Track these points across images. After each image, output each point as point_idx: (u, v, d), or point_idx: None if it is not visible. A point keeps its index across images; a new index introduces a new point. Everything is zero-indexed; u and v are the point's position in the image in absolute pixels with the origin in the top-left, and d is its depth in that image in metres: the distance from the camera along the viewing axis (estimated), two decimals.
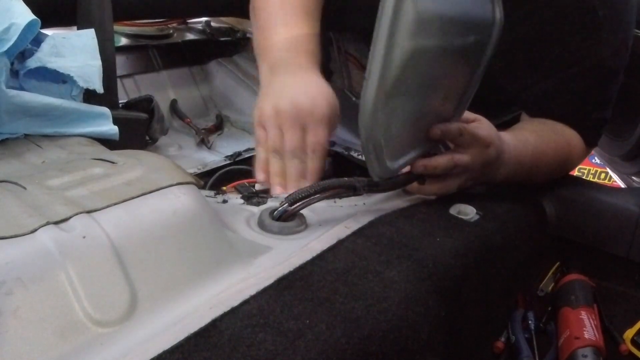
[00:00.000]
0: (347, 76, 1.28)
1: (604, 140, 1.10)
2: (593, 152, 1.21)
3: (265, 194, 0.74)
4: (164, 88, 1.26)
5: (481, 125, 0.73)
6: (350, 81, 1.29)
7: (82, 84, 0.76)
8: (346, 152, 1.17)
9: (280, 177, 0.70)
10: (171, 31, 1.39)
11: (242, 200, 0.71)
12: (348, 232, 0.63)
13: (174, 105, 1.24)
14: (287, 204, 0.63)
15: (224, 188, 0.77)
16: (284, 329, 0.46)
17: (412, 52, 0.55)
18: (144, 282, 0.48)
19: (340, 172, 1.10)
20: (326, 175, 1.08)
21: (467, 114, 0.74)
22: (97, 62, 0.79)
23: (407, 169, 0.72)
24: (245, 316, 0.47)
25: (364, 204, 0.73)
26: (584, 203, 0.94)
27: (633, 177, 1.40)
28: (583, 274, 0.91)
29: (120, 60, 1.12)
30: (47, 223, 0.46)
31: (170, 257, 0.51)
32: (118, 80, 1.01)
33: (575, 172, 1.44)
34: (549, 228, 0.93)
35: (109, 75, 0.83)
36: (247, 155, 1.11)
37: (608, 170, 1.85)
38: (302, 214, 0.65)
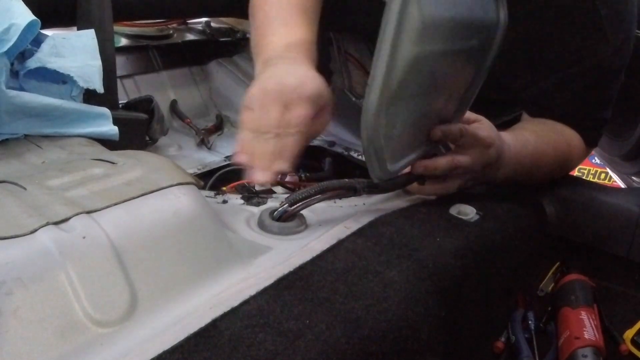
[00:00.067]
0: (347, 76, 1.28)
1: (604, 140, 1.10)
2: (593, 152, 1.21)
3: (265, 194, 0.73)
4: (164, 88, 1.26)
5: (482, 126, 0.73)
6: (350, 81, 1.29)
7: (82, 84, 0.76)
8: (346, 152, 1.17)
9: (257, 156, 0.66)
10: (171, 31, 1.39)
11: (242, 201, 0.71)
12: (348, 232, 0.63)
13: (174, 106, 1.24)
14: (287, 205, 0.63)
15: (224, 188, 0.77)
16: (284, 329, 0.46)
17: (417, 57, 0.54)
18: (144, 282, 0.48)
19: (340, 173, 1.11)
20: (326, 176, 1.09)
21: (469, 114, 0.74)
22: (97, 63, 0.79)
23: (407, 169, 0.72)
24: (245, 316, 0.47)
25: (364, 204, 0.73)
26: (584, 203, 0.94)
27: (633, 177, 1.40)
28: (583, 274, 0.91)
29: (120, 61, 1.12)
30: (47, 223, 0.46)
31: (170, 257, 0.51)
32: (118, 80, 1.01)
33: (575, 172, 1.44)
34: (549, 228, 0.93)
35: (109, 75, 0.83)
36: None
37: (608, 170, 1.85)
38: (302, 214, 0.65)
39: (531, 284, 0.93)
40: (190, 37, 1.44)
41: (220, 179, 0.92)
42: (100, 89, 0.78)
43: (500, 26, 0.67)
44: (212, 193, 0.73)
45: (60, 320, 0.43)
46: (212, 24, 1.49)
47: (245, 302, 0.48)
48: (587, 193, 0.95)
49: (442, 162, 0.71)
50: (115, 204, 0.51)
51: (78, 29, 0.88)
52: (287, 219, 0.64)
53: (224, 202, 0.71)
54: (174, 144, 1.13)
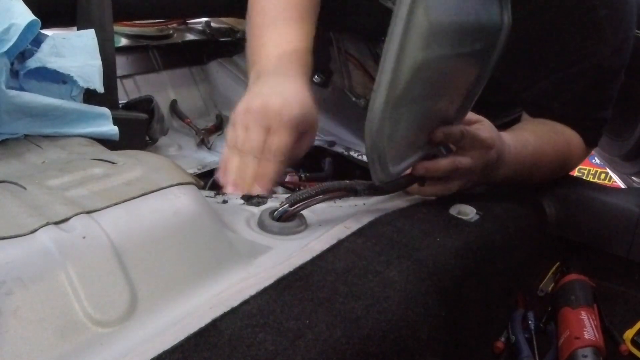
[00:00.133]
0: (347, 76, 1.28)
1: (604, 140, 1.10)
2: (593, 152, 1.21)
3: (265, 194, 0.73)
4: (164, 88, 1.26)
5: (483, 127, 0.73)
6: (350, 81, 1.29)
7: (82, 84, 0.76)
8: (346, 152, 1.17)
9: (236, 175, 0.68)
10: (171, 31, 1.39)
11: (242, 201, 0.71)
12: (348, 232, 0.63)
13: (174, 106, 1.24)
14: (287, 205, 0.63)
15: (224, 188, 0.77)
16: (284, 329, 0.46)
17: (422, 62, 0.54)
18: (144, 282, 0.48)
19: (341, 172, 1.11)
20: (326, 176, 1.09)
21: (470, 115, 0.74)
22: (97, 62, 0.79)
23: (408, 170, 0.72)
24: (245, 316, 0.47)
25: (364, 204, 0.73)
26: (584, 203, 0.94)
27: (633, 177, 1.40)
28: (583, 274, 0.91)
29: (120, 61, 1.12)
30: (47, 223, 0.46)
31: (170, 257, 0.51)
32: (118, 80, 1.01)
33: (575, 172, 1.44)
34: (549, 228, 0.93)
35: (109, 75, 0.83)
36: None
37: (608, 170, 1.85)
38: (302, 214, 0.65)
39: (531, 284, 0.93)
40: (190, 37, 1.44)
41: None
42: (100, 88, 0.78)
43: (505, 28, 0.68)
44: (212, 193, 0.73)
45: (60, 320, 0.43)
46: (212, 24, 1.49)
47: (245, 302, 0.48)
48: (587, 193, 0.95)
49: (443, 163, 0.71)
50: (115, 204, 0.51)
51: (78, 29, 0.88)
52: (287, 219, 0.64)
53: (224, 202, 0.71)
54: (174, 144, 1.13)
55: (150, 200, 0.53)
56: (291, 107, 0.68)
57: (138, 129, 0.92)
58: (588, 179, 1.61)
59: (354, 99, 1.27)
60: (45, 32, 0.80)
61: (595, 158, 1.94)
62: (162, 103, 1.16)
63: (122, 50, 1.25)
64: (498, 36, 0.68)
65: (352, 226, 0.65)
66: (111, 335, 0.44)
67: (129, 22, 1.28)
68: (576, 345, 0.75)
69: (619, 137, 1.22)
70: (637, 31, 0.91)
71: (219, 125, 1.25)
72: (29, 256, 0.44)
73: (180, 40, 1.39)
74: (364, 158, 1.13)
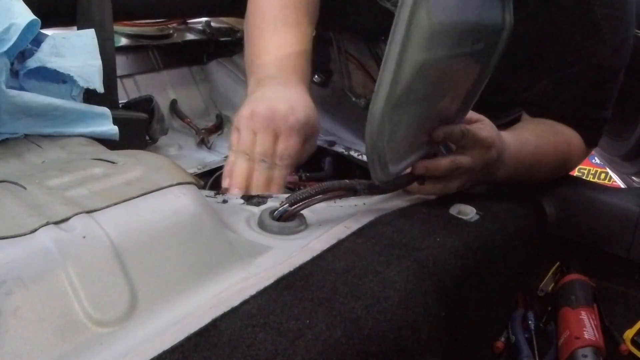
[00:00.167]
0: (347, 76, 1.28)
1: (604, 140, 1.10)
2: (593, 152, 1.21)
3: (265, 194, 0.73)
4: (164, 88, 1.26)
5: (483, 126, 0.73)
6: (350, 81, 1.29)
7: (82, 83, 0.76)
8: (346, 152, 1.17)
9: (244, 180, 0.67)
10: (171, 31, 1.39)
11: (242, 200, 0.71)
12: (348, 232, 0.63)
13: (174, 105, 1.24)
14: (287, 204, 0.63)
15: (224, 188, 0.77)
16: (284, 329, 0.46)
17: (424, 63, 0.54)
18: (144, 282, 0.48)
19: (341, 172, 1.11)
20: (326, 175, 1.09)
21: (470, 114, 0.74)
22: (97, 62, 0.79)
23: (408, 169, 0.72)
24: (245, 316, 0.47)
25: (364, 204, 0.73)
26: (584, 203, 0.94)
27: (633, 177, 1.40)
28: (583, 274, 0.91)
29: (120, 60, 1.12)
30: (47, 223, 0.46)
31: (170, 257, 0.51)
32: (118, 80, 1.01)
33: (575, 172, 1.44)
34: (549, 228, 0.93)
35: (109, 75, 0.83)
36: None
37: (608, 170, 1.85)
38: (302, 214, 0.65)
39: (531, 284, 0.93)
40: (190, 37, 1.43)
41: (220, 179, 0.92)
42: (100, 88, 0.78)
43: (506, 28, 0.68)
44: (212, 193, 0.73)
45: (60, 320, 0.43)
46: (212, 24, 1.48)
47: (245, 302, 0.48)
48: (587, 193, 0.95)
49: (443, 162, 0.71)
50: (116, 204, 0.51)
51: (78, 29, 0.88)
52: (288, 219, 0.64)
53: (224, 201, 0.71)
54: (174, 144, 1.13)
55: (150, 200, 0.53)
56: (297, 112, 0.69)
57: (138, 129, 0.92)
58: (588, 179, 1.61)
59: (354, 99, 1.27)
60: (45, 31, 0.80)
61: (595, 158, 1.94)
62: (162, 103, 1.16)
63: (122, 50, 1.25)
64: (499, 36, 0.68)
65: (352, 226, 0.65)
66: (111, 335, 0.44)
67: (129, 22, 1.28)
68: (576, 345, 0.75)
69: (619, 137, 1.22)
70: (637, 31, 0.91)
71: (219, 125, 1.25)
72: (29, 256, 0.44)
73: (180, 40, 1.39)
74: (364, 158, 1.13)
